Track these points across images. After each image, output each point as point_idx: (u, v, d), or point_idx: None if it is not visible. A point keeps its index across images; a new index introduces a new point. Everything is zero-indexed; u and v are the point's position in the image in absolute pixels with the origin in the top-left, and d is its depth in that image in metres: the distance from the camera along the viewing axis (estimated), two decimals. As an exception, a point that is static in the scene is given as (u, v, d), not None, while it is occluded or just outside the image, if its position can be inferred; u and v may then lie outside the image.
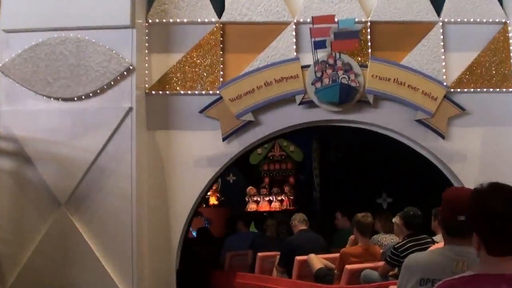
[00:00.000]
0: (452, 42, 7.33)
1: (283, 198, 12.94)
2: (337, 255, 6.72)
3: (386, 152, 9.16)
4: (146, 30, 7.10)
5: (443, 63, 7.23)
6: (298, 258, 6.96)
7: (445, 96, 7.08)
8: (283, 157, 13.45)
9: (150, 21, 7.12)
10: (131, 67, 6.43)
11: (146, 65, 7.03)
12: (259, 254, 7.87)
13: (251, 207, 12.86)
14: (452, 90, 7.20)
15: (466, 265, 2.74)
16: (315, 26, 6.91)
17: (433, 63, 7.22)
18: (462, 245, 2.82)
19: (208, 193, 12.45)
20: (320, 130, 8.30)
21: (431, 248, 4.48)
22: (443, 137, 7.08)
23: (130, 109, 6.41)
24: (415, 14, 7.29)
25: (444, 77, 7.19)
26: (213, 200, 12.90)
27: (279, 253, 7.51)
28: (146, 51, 7.06)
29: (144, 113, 6.94)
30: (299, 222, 7.61)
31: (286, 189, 13.10)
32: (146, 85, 7.01)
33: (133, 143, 6.38)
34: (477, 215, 2.26)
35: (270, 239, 8.66)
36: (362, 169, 10.73)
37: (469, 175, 7.01)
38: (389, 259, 5.91)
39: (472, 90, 7.24)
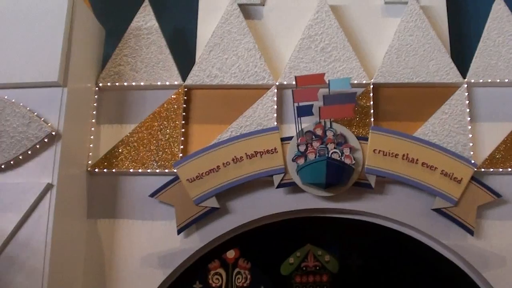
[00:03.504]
0: (481, 109, 5.77)
1: (316, 316, 10.98)
2: None
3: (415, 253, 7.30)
4: (95, 96, 5.84)
5: (470, 135, 5.61)
6: None
7: (473, 178, 5.39)
8: (318, 268, 11.59)
9: (100, 84, 5.87)
10: (53, 133, 5.08)
11: (92, 137, 5.72)
12: None
13: (281, 327, 10.93)
14: (482, 170, 5.53)
15: None
16: (299, 87, 5.46)
17: (457, 136, 5.61)
18: None
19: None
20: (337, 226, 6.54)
21: None
22: (471, 233, 5.35)
23: (50, 186, 5.01)
24: (432, 74, 5.75)
25: (472, 153, 5.56)
26: (238, 318, 11.07)
27: None
28: (93, 120, 5.77)
29: (83, 197, 5.59)
30: None
31: (319, 305, 11.15)
32: (89, 162, 5.65)
33: (50, 230, 4.92)
34: None
35: None
36: (390, 278, 8.82)
37: (509, 285, 5.22)
38: None
39: (509, 170, 5.52)
